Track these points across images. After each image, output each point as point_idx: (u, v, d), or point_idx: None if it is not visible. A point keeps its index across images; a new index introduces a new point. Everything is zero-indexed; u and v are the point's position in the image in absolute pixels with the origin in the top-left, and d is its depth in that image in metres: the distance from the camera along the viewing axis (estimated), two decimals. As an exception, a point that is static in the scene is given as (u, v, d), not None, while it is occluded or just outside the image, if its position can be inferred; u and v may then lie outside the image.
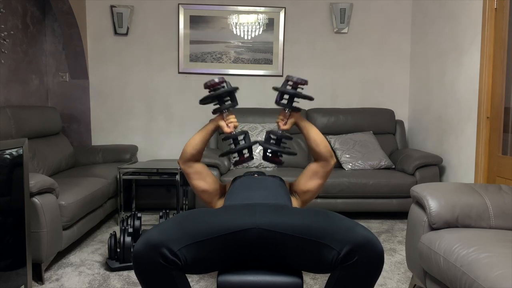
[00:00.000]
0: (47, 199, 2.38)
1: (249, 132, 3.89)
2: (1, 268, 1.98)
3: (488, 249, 1.56)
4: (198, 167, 2.03)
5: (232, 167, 3.74)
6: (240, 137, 2.03)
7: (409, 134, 4.46)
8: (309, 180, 2.03)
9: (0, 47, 3.38)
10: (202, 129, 2.04)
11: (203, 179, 2.03)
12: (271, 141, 2.06)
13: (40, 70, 4.09)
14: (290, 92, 1.97)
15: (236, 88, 2.00)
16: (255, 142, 2.04)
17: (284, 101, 2.02)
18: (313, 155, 2.05)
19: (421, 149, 4.15)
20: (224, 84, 1.98)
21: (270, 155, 2.06)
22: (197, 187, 2.04)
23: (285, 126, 2.03)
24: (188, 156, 2.01)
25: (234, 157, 2.05)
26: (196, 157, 2.03)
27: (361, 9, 4.39)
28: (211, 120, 2.05)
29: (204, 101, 2.00)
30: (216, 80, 1.95)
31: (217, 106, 2.00)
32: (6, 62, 3.49)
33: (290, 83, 2.00)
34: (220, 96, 1.97)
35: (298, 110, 2.03)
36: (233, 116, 2.03)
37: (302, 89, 2.03)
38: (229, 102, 2.01)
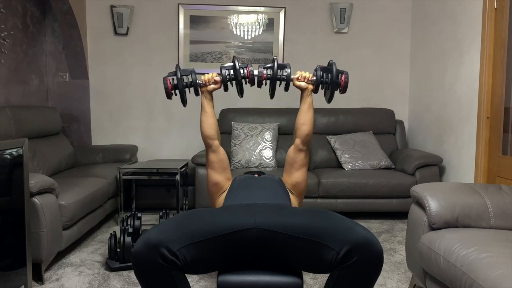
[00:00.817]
0: (47, 199, 2.38)
1: (249, 131, 3.89)
2: (1, 268, 1.98)
3: (488, 249, 1.55)
4: (223, 154, 2.05)
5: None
6: (227, 74, 2.03)
7: (409, 134, 4.46)
8: (292, 172, 2.05)
9: (0, 47, 3.38)
10: (203, 108, 2.06)
11: (222, 171, 2.03)
12: (279, 70, 2.04)
13: (40, 70, 4.09)
14: (334, 83, 1.97)
15: (177, 66, 2.03)
16: (234, 58, 2.06)
17: (322, 80, 2.02)
18: (295, 129, 2.07)
19: (421, 149, 4.15)
20: (173, 77, 2.02)
21: (264, 73, 2.03)
22: (212, 178, 2.03)
23: (297, 80, 2.04)
24: (211, 137, 2.02)
25: (245, 84, 2.08)
26: (218, 132, 2.05)
27: (361, 9, 4.38)
28: (202, 98, 2.08)
29: (183, 101, 2.07)
30: (168, 84, 2.00)
31: (191, 90, 2.06)
32: (6, 62, 3.49)
33: (341, 81, 1.99)
34: (184, 85, 2.01)
35: (316, 91, 2.06)
36: (205, 75, 2.05)
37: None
38: (189, 76, 2.03)
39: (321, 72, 2.03)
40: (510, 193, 1.96)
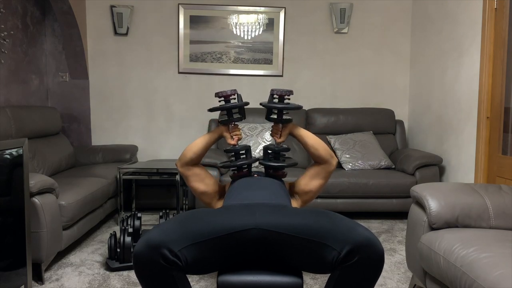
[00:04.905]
0: (47, 199, 2.38)
1: (249, 131, 3.89)
2: (1, 268, 1.98)
3: (488, 249, 1.56)
4: (197, 169, 2.03)
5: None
6: (242, 152, 2.04)
7: (409, 134, 4.46)
8: (310, 180, 2.03)
9: (0, 47, 3.38)
10: (205, 136, 2.04)
11: (201, 181, 2.02)
12: (270, 156, 2.07)
13: (40, 70, 4.09)
14: (277, 107, 1.98)
15: (247, 103, 2.03)
16: (256, 160, 2.06)
17: (274, 116, 2.03)
18: (314, 159, 2.06)
19: (421, 149, 4.15)
20: (236, 96, 2.01)
21: (271, 171, 2.07)
22: (196, 189, 2.03)
23: (280, 139, 2.05)
24: (187, 160, 2.00)
25: (233, 170, 2.07)
26: (195, 162, 2.02)
27: (361, 9, 4.38)
28: (216, 128, 2.06)
29: (214, 110, 2.03)
30: (229, 92, 1.99)
31: (225, 116, 2.03)
32: (6, 62, 3.49)
33: (275, 96, 2.01)
34: (227, 108, 2.00)
35: (289, 121, 2.05)
36: (239, 129, 2.05)
37: (289, 99, 2.05)
38: (238, 114, 2.03)
39: (272, 114, 2.03)
40: (510, 193, 1.96)
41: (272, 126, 2.07)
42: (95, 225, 3.32)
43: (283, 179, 2.13)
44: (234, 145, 2.03)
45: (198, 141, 2.02)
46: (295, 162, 2.10)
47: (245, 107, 2.06)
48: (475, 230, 1.82)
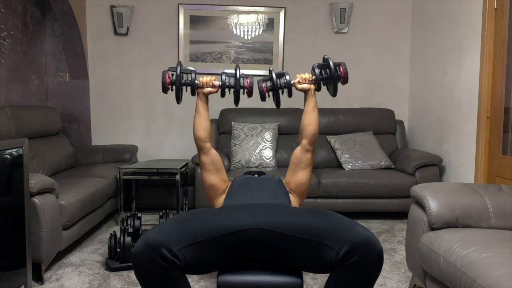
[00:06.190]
0: (47, 199, 2.38)
1: (249, 131, 3.89)
2: (1, 268, 1.98)
3: (488, 249, 1.56)
4: (215, 155, 2.03)
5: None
6: (226, 81, 2.04)
7: (409, 134, 4.46)
8: (297, 172, 2.05)
9: (0, 47, 3.38)
10: (197, 110, 2.07)
11: (216, 172, 2.02)
12: (279, 79, 2.05)
13: (40, 70, 4.09)
14: (332, 71, 2.00)
15: (178, 63, 2.03)
16: (236, 66, 2.06)
17: (318, 72, 2.04)
18: (300, 129, 2.09)
19: (421, 149, 4.15)
20: (173, 72, 2.01)
21: (265, 86, 2.05)
22: (207, 180, 2.02)
23: (298, 84, 2.07)
24: (203, 139, 2.01)
25: (243, 94, 2.08)
26: (209, 136, 2.05)
27: (361, 9, 4.38)
28: (197, 98, 2.08)
29: (177, 98, 2.06)
30: (166, 78, 1.99)
31: (189, 89, 2.05)
32: (6, 62, 3.49)
33: (340, 73, 2.02)
34: (182, 83, 2.00)
35: (319, 88, 2.10)
36: (204, 77, 2.05)
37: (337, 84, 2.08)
38: (189, 75, 2.02)
39: (319, 70, 2.04)
40: (510, 193, 1.96)
41: (306, 75, 2.07)
42: (95, 225, 3.31)
43: (283, 179, 2.13)
44: (219, 86, 2.04)
45: (196, 119, 2.05)
46: (279, 105, 2.11)
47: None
48: (475, 230, 1.82)
